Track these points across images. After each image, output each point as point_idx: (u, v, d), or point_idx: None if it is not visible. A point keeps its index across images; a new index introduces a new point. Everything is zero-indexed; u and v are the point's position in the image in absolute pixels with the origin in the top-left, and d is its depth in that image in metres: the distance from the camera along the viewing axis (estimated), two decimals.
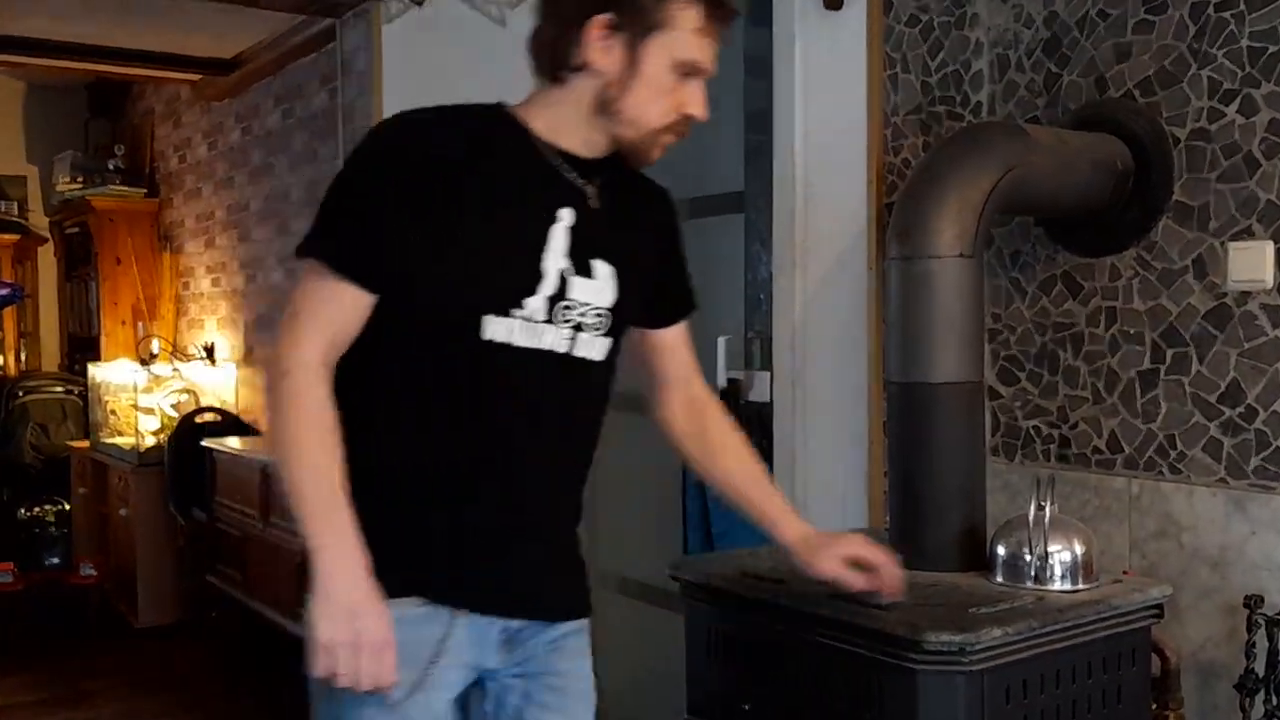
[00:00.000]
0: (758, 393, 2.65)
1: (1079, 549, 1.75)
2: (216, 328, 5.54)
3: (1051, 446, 2.16)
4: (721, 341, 2.69)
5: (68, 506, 5.29)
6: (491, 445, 1.48)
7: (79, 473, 5.67)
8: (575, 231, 1.48)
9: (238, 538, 4.49)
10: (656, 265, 1.64)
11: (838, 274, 2.47)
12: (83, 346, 6.43)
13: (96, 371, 5.63)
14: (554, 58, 1.46)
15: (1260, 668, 1.77)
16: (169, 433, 4.96)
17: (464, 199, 1.41)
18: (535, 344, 1.47)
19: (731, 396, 2.68)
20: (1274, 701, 1.77)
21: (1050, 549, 1.74)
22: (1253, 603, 1.79)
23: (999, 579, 1.78)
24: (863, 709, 1.66)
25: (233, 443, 4.73)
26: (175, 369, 5.40)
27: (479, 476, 1.48)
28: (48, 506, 5.12)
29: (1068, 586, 1.73)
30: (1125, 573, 1.86)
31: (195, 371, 5.44)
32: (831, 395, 2.48)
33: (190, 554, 4.93)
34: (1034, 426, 2.19)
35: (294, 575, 3.95)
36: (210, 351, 5.46)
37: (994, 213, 1.92)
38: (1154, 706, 1.82)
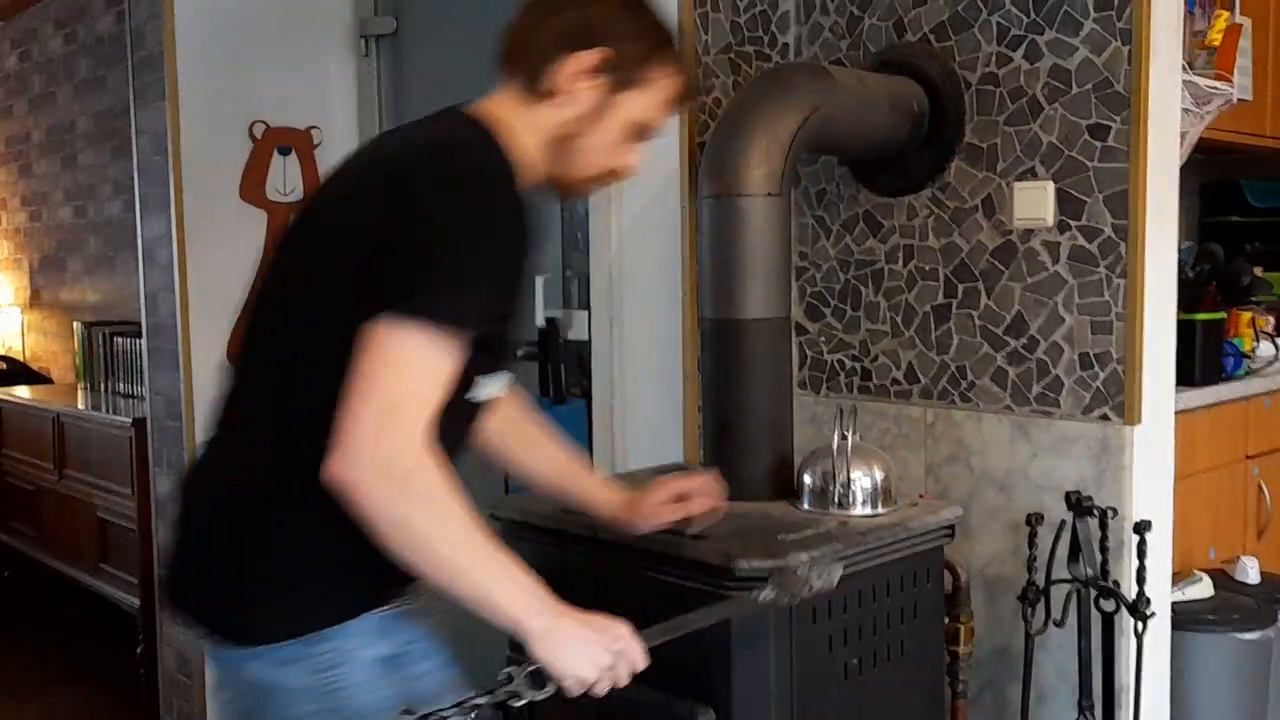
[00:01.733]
0: (576, 331, 2.67)
1: (879, 475, 1.85)
2: (0, 268, 5.18)
3: (854, 379, 2.26)
4: (539, 280, 2.68)
5: None
6: None
7: None
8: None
9: (30, 491, 4.25)
10: None
11: (652, 212, 2.50)
12: None
13: None
14: (530, 70, 1.44)
15: (1040, 580, 1.92)
16: None
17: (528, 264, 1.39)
18: (494, 394, 1.50)
19: (550, 335, 2.68)
20: (1050, 611, 1.92)
21: (852, 476, 1.83)
22: (1034, 519, 1.93)
23: (806, 506, 1.87)
24: (679, 637, 1.72)
25: (21, 392, 4.46)
26: None
27: None
28: None
29: (869, 511, 1.83)
30: (921, 496, 1.97)
31: None
32: (648, 333, 2.52)
33: None
34: (838, 360, 2.28)
35: (94, 530, 3.78)
36: None
37: (800, 152, 1.97)
38: (946, 620, 1.95)
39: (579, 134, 1.46)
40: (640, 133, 1.50)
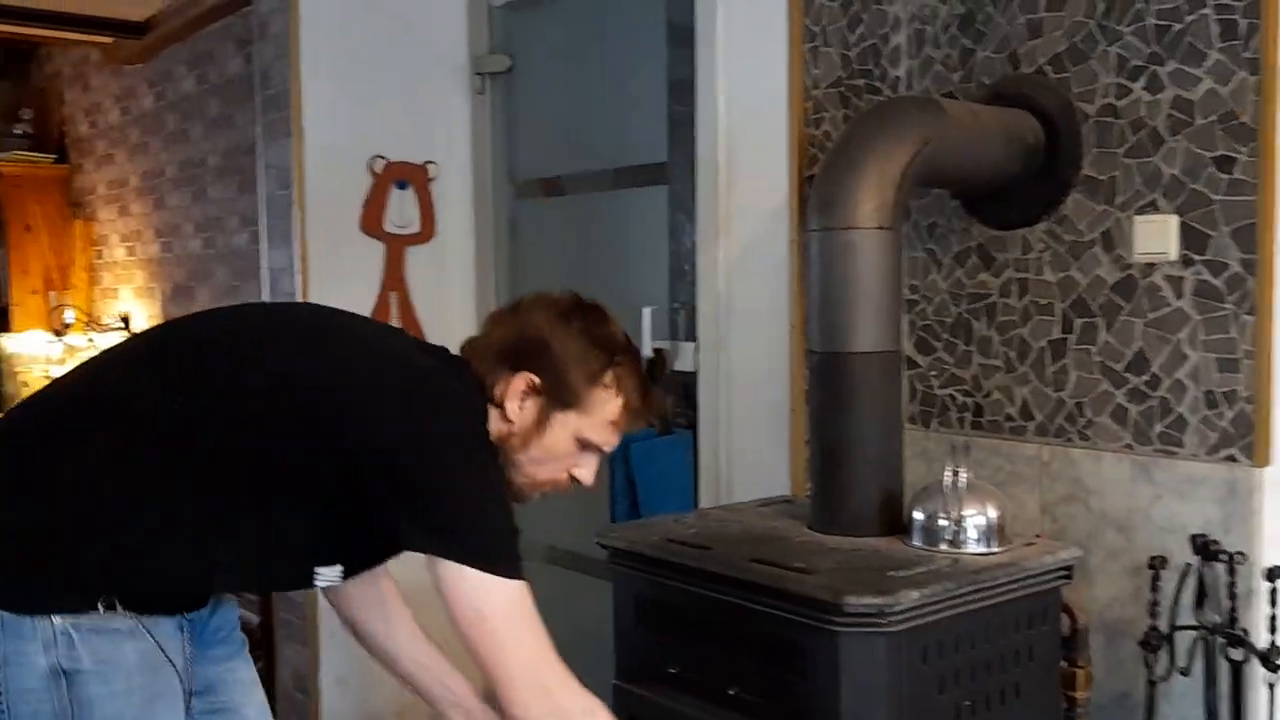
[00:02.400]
0: (683, 362, 2.68)
1: (992, 513, 1.81)
2: (133, 296, 5.42)
3: (966, 414, 2.22)
4: (647, 312, 2.71)
5: None
6: None
7: None
8: None
9: None
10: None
11: (760, 245, 2.51)
12: None
13: (7, 342, 5.47)
14: (482, 377, 1.52)
15: (1164, 625, 1.85)
16: None
17: None
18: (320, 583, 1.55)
19: (657, 366, 2.70)
20: (1175, 658, 1.85)
21: (965, 513, 1.80)
22: (1157, 563, 1.87)
23: (916, 543, 1.84)
24: (786, 671, 1.71)
25: None
26: (90, 339, 5.28)
27: None
28: None
29: (982, 550, 1.79)
30: (1037, 536, 1.92)
31: (111, 342, 5.32)
32: (754, 365, 2.52)
33: None
34: (949, 395, 2.25)
35: None
36: (126, 321, 5.33)
37: (911, 185, 1.96)
38: (1064, 663, 1.89)
39: (521, 447, 1.53)
40: (588, 447, 1.56)
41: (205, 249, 4.81)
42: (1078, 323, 2.04)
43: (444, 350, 1.58)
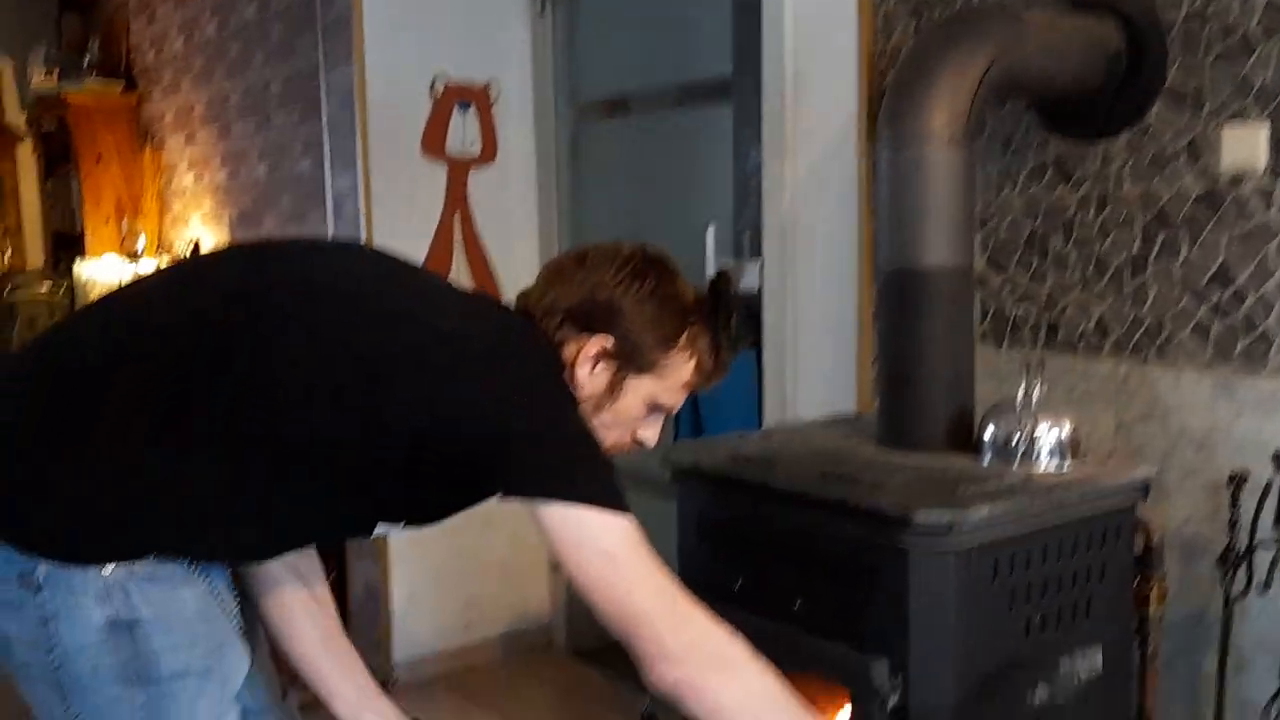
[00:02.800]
0: (747, 282, 2.66)
1: (1066, 429, 1.78)
2: (201, 223, 5.49)
3: (1039, 333, 2.18)
4: (710, 230, 2.68)
5: None
6: None
7: None
8: None
9: None
10: None
11: (827, 162, 2.46)
12: (67, 244, 6.37)
13: (82, 269, 5.59)
14: (551, 337, 1.42)
15: (1242, 543, 1.82)
16: None
17: None
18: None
19: (721, 286, 2.68)
20: (1252, 575, 1.82)
21: (1038, 429, 1.77)
22: (1236, 480, 1.83)
23: (987, 460, 1.81)
24: (852, 587, 1.71)
25: None
26: (161, 266, 5.37)
27: None
28: None
29: (1055, 466, 1.77)
30: (1112, 454, 1.89)
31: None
32: (821, 283, 2.48)
33: None
34: (1022, 313, 2.20)
35: None
36: (197, 247, 5.41)
37: (986, 98, 1.90)
38: (1137, 582, 1.87)
39: (591, 413, 1.43)
40: (656, 410, 1.48)
41: (270, 175, 4.85)
42: (1159, 237, 1.98)
43: (504, 306, 1.51)
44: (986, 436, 1.82)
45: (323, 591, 1.48)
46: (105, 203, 5.82)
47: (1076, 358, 2.11)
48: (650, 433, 1.51)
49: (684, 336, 1.45)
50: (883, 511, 1.64)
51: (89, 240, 5.84)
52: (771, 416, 2.56)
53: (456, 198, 3.25)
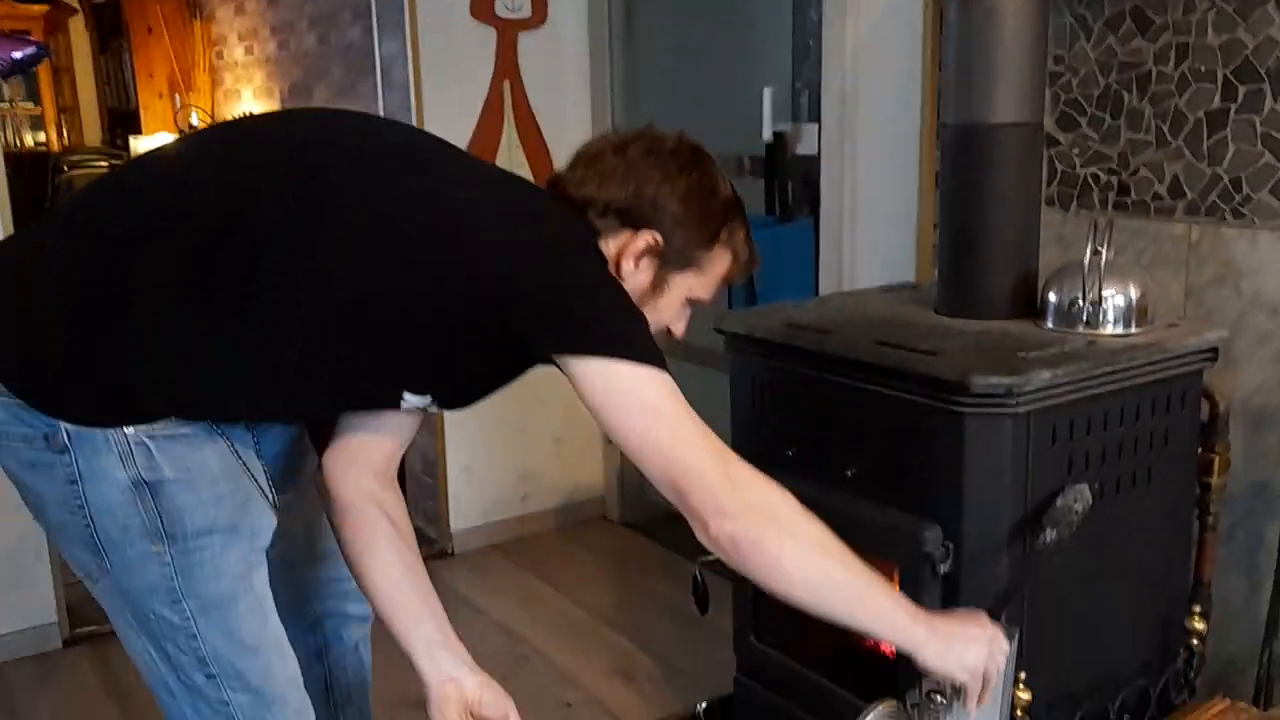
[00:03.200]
0: (805, 146, 2.57)
1: (1133, 293, 1.72)
2: (253, 97, 5.45)
3: (1110, 194, 2.09)
4: (767, 93, 2.59)
5: None
6: None
7: None
8: None
9: None
10: None
11: (891, 18, 2.35)
12: (123, 120, 6.40)
13: (138, 144, 5.60)
14: (593, 230, 1.38)
15: None
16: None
17: None
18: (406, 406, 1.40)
19: (777, 150, 2.60)
20: None
21: (1104, 293, 1.70)
22: None
23: (1050, 324, 1.76)
24: (908, 453, 1.68)
25: None
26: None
27: None
28: None
29: (1120, 330, 1.71)
30: (1180, 319, 1.82)
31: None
32: (882, 145, 2.40)
33: None
34: (1092, 174, 2.11)
35: None
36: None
37: None
38: (1200, 450, 1.82)
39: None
40: (693, 304, 1.47)
41: (320, 45, 4.78)
42: (1241, 90, 1.87)
43: (534, 185, 1.48)
44: (1050, 301, 1.76)
45: (405, 525, 1.46)
46: (158, 78, 5.81)
47: (1148, 220, 2.02)
48: (681, 325, 1.50)
49: (724, 231, 1.43)
50: (939, 377, 1.60)
51: (143, 116, 5.85)
52: (828, 285, 2.50)
53: (506, 63, 3.16)
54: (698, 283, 1.44)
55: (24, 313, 1.27)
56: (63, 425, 1.24)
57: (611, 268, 1.37)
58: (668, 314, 1.45)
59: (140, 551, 1.28)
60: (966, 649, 1.31)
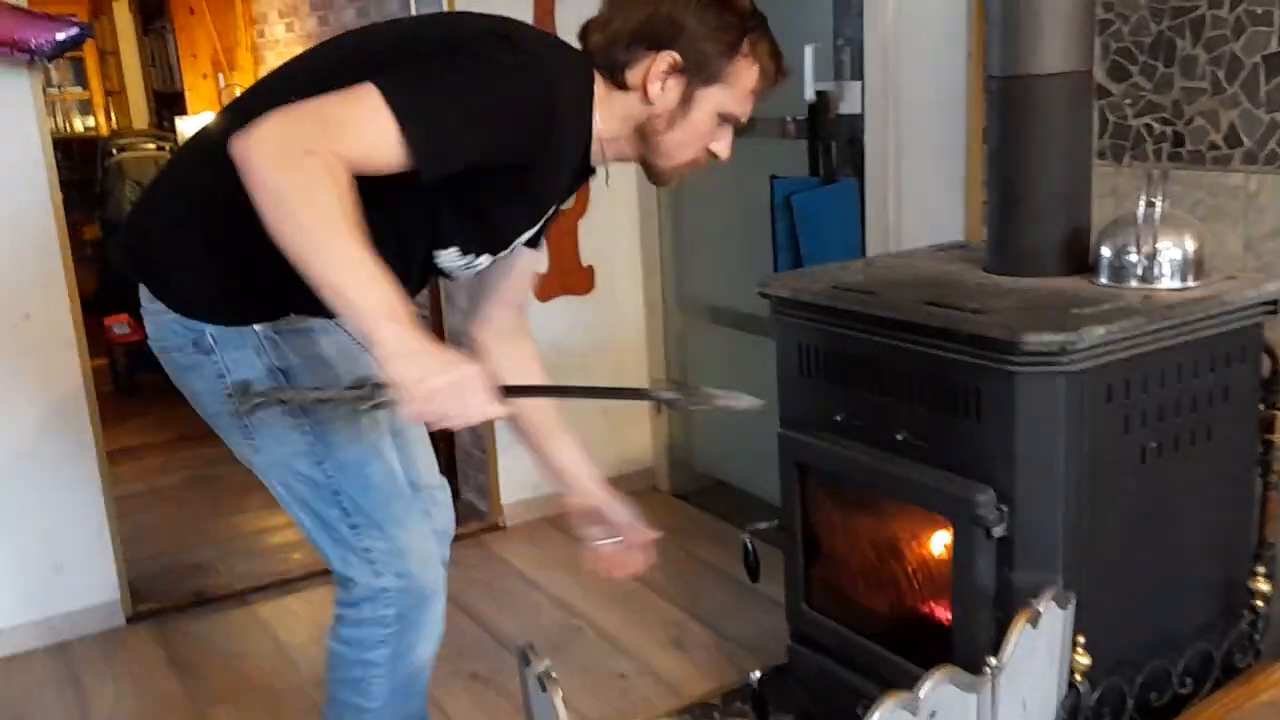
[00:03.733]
0: (848, 104, 2.53)
1: (1190, 245, 1.67)
2: None
3: (1164, 146, 2.02)
4: (809, 50, 2.54)
5: None
6: None
7: None
8: (550, 217, 1.62)
9: None
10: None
11: None
12: (169, 103, 6.45)
13: (184, 125, 5.65)
14: (613, 66, 1.47)
15: None
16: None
17: (540, 172, 1.45)
18: (445, 265, 1.54)
19: (820, 110, 2.56)
20: None
21: (1159, 246, 1.66)
22: None
23: (1103, 280, 1.72)
24: (959, 414, 1.65)
25: None
26: None
27: None
28: None
29: (1176, 284, 1.66)
30: (1238, 273, 1.77)
31: None
32: (927, 103, 2.35)
33: None
34: (1145, 125, 2.05)
35: None
36: None
37: None
38: (1262, 406, 1.77)
39: (666, 129, 1.49)
40: (727, 120, 1.52)
41: (359, 18, 4.78)
42: None
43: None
44: (1103, 256, 1.72)
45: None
46: (201, 58, 5.85)
47: (1204, 171, 1.96)
48: (722, 145, 1.55)
49: (746, 42, 1.48)
50: (989, 336, 1.57)
51: (189, 97, 5.90)
52: (874, 247, 2.46)
53: (544, 8, 3.14)
54: (727, 97, 1.49)
55: (178, 235, 1.48)
56: (207, 329, 1.48)
57: (637, 97, 1.46)
58: (702, 130, 1.50)
59: (283, 425, 1.50)
60: (416, 382, 1.23)
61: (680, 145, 1.51)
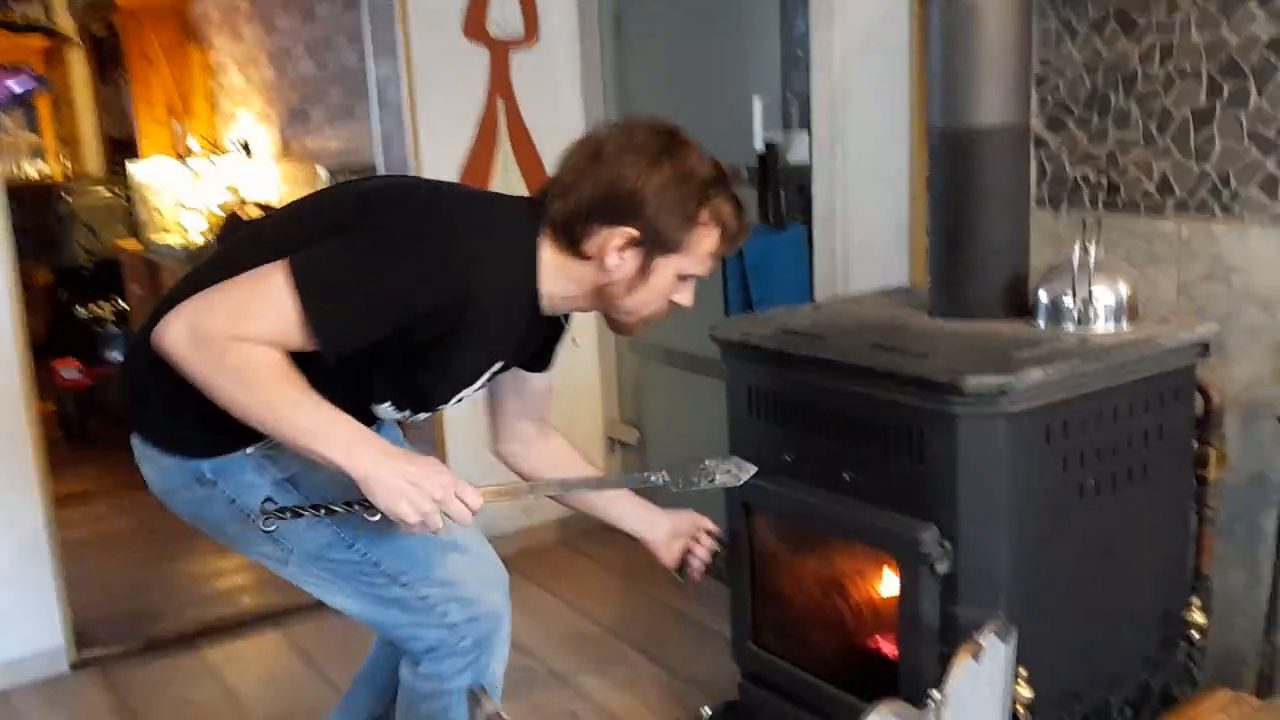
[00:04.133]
0: (796, 154, 2.59)
1: (1123, 290, 1.73)
2: (253, 121, 5.49)
3: (1100, 194, 2.10)
4: (757, 102, 2.60)
5: (125, 305, 5.39)
6: None
7: (132, 273, 5.75)
8: (503, 367, 1.61)
9: None
10: (539, 348, 1.69)
11: (879, 25, 2.36)
12: (122, 149, 6.42)
13: (137, 171, 5.63)
14: (571, 237, 1.48)
15: None
16: (216, 232, 4.98)
17: (469, 340, 1.46)
18: (384, 416, 1.58)
19: (769, 159, 2.62)
20: None
21: (1094, 290, 1.71)
22: None
23: (1042, 324, 1.77)
24: (903, 455, 1.69)
25: None
26: (213, 163, 5.39)
27: None
28: (105, 305, 5.20)
29: (1111, 328, 1.72)
30: (1171, 315, 1.83)
31: (234, 167, 5.43)
32: (872, 152, 2.41)
33: None
34: (1082, 174, 2.12)
35: None
36: (247, 147, 5.42)
37: None
38: (1196, 444, 1.82)
39: (626, 294, 1.51)
40: (685, 280, 1.53)
41: (318, 71, 4.82)
42: (1226, 87, 1.88)
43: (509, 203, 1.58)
44: (1041, 300, 1.77)
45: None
46: (156, 105, 5.84)
47: (1138, 218, 2.04)
48: (685, 296, 1.56)
49: (705, 211, 1.48)
50: (932, 379, 1.61)
51: (142, 143, 5.88)
52: (822, 292, 2.51)
53: (500, 82, 3.19)
54: (686, 261, 1.50)
55: (154, 379, 1.46)
56: (203, 464, 1.52)
57: (593, 265, 1.47)
58: (662, 291, 1.52)
59: (304, 524, 1.51)
60: (400, 503, 1.37)
61: (640, 304, 1.53)
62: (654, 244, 1.46)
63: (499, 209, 1.55)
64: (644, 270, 1.48)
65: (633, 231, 1.45)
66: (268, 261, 1.38)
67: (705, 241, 1.50)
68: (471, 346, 1.47)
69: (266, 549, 1.56)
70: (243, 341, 1.34)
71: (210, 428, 1.47)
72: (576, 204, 1.45)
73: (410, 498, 1.37)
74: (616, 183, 1.44)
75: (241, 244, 1.58)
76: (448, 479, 1.40)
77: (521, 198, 1.58)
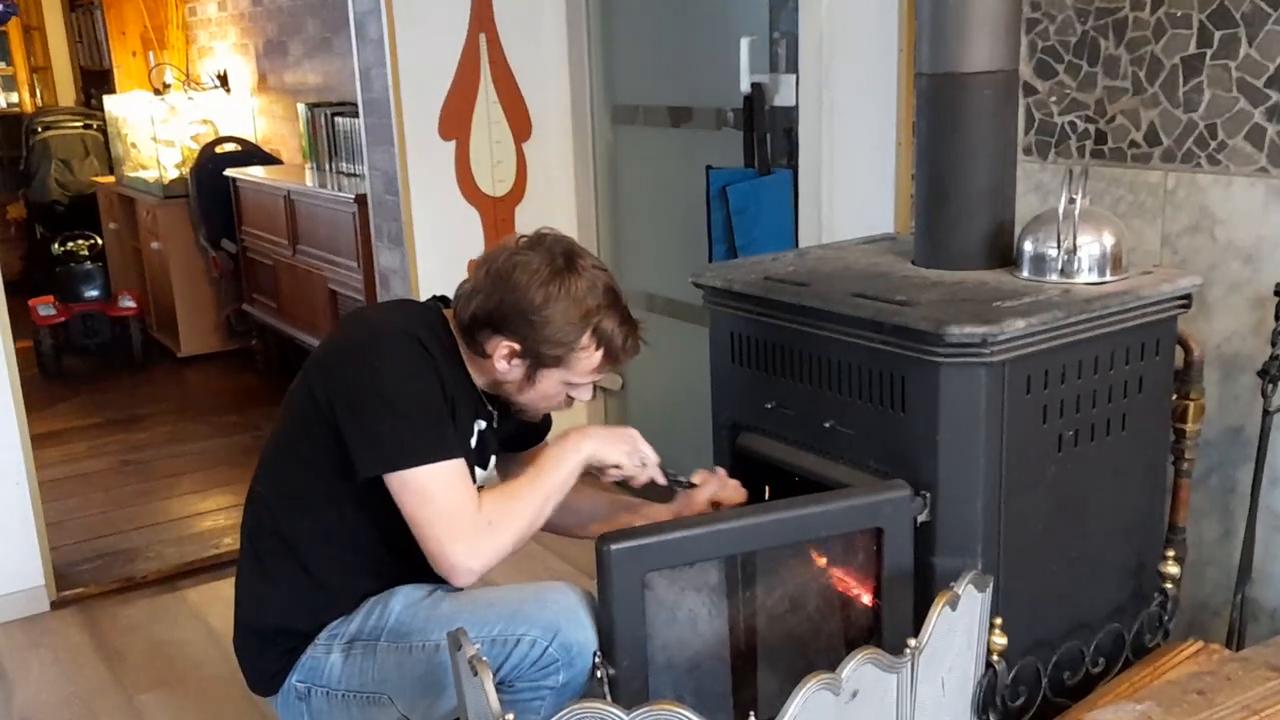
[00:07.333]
0: (783, 97, 2.56)
1: (1108, 241, 1.72)
2: (229, 53, 5.39)
3: (1087, 142, 2.08)
4: (745, 43, 2.57)
5: (100, 241, 5.32)
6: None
7: (107, 207, 5.68)
8: (483, 437, 1.77)
9: (269, 266, 4.54)
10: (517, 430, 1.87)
11: None
12: (97, 81, 6.31)
13: (113, 105, 5.53)
14: (471, 340, 1.68)
15: None
16: (191, 165, 4.92)
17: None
18: None
19: (755, 102, 2.59)
20: None
21: (1079, 241, 1.71)
22: None
23: (1025, 274, 1.76)
24: (885, 404, 1.69)
25: (256, 172, 4.70)
26: (191, 98, 5.29)
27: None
28: (80, 241, 5.12)
29: (1095, 279, 1.71)
30: (1155, 266, 1.83)
31: (211, 101, 5.33)
32: (859, 97, 2.39)
33: (224, 285, 5.00)
34: (1070, 122, 2.11)
35: (326, 301, 4.03)
36: (224, 80, 5.33)
37: None
38: (1175, 397, 1.83)
39: (517, 394, 1.72)
40: (573, 387, 1.71)
41: (294, 0, 4.72)
42: (1217, 35, 1.86)
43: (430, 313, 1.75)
44: (1025, 250, 1.76)
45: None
46: (131, 35, 5.72)
47: (1125, 168, 2.02)
48: (583, 393, 1.73)
49: (586, 335, 1.65)
50: (914, 327, 1.61)
51: (117, 75, 5.78)
52: (807, 239, 2.50)
53: (482, 16, 3.13)
54: (569, 374, 1.68)
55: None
56: (292, 682, 1.70)
57: (488, 363, 1.67)
58: (551, 395, 1.71)
59: (385, 665, 1.65)
60: (614, 453, 1.68)
61: (532, 403, 1.73)
62: (536, 359, 1.65)
63: (413, 312, 1.75)
64: (529, 378, 1.68)
65: (515, 345, 1.64)
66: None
67: (586, 361, 1.67)
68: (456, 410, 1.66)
69: (372, 711, 1.67)
70: (475, 511, 1.56)
71: (288, 634, 1.71)
72: (475, 310, 1.65)
73: (619, 448, 1.67)
74: (505, 298, 1.63)
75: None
76: (633, 433, 1.70)
77: (437, 301, 1.78)
